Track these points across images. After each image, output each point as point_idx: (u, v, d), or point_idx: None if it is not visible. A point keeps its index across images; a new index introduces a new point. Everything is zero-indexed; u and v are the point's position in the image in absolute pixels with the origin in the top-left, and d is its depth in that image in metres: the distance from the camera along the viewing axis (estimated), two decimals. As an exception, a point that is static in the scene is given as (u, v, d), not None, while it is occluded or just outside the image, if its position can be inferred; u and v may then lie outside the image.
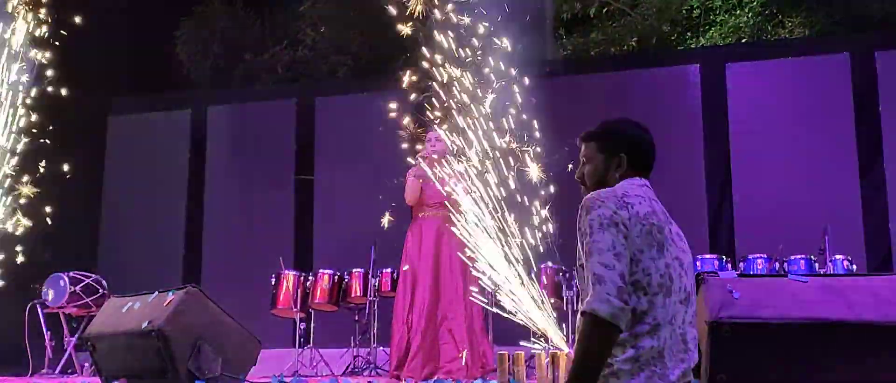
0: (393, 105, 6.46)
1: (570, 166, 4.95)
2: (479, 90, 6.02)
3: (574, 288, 6.91)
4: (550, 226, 5.81)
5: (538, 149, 5.95)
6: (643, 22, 12.22)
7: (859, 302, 4.02)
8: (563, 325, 6.34)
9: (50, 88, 7.35)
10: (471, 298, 6.19)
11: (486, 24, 6.01)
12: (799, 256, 6.92)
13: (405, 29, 6.08)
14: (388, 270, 7.47)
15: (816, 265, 6.86)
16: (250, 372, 5.81)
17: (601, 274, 2.45)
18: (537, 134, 6.00)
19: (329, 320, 8.00)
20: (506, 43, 6.01)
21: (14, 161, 7.30)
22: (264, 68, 11.73)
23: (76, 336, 7.65)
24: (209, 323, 5.57)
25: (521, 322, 5.61)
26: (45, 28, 7.24)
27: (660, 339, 2.47)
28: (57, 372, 7.62)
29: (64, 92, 7.43)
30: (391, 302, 6.79)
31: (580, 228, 2.61)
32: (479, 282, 5.82)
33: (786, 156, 8.43)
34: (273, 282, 7.76)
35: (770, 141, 8.51)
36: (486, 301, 6.15)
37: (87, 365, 7.46)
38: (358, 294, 7.54)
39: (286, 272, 7.71)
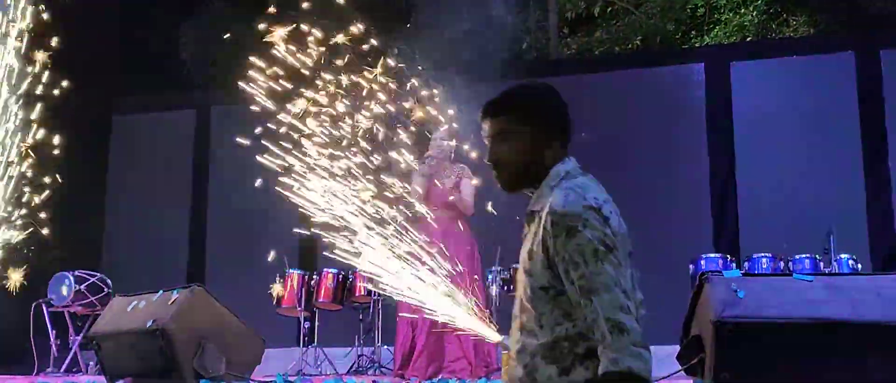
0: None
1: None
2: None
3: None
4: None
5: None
6: (647, 21, 12.23)
7: (863, 302, 4.02)
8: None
9: (54, 88, 7.35)
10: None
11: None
12: (804, 255, 6.90)
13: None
14: (392, 269, 7.46)
15: (821, 264, 6.84)
16: (255, 370, 5.82)
17: (620, 321, 2.08)
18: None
19: (333, 319, 7.99)
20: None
21: (17, 160, 7.30)
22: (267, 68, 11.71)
23: (81, 335, 7.65)
24: (213, 322, 5.58)
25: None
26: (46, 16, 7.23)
27: None
28: (62, 371, 7.62)
29: (67, 89, 7.44)
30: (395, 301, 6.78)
31: (554, 249, 2.17)
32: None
33: (790, 155, 8.41)
34: (277, 281, 7.75)
35: (774, 140, 8.49)
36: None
37: (92, 364, 7.45)
38: (362, 293, 7.53)
39: (291, 271, 7.71)
